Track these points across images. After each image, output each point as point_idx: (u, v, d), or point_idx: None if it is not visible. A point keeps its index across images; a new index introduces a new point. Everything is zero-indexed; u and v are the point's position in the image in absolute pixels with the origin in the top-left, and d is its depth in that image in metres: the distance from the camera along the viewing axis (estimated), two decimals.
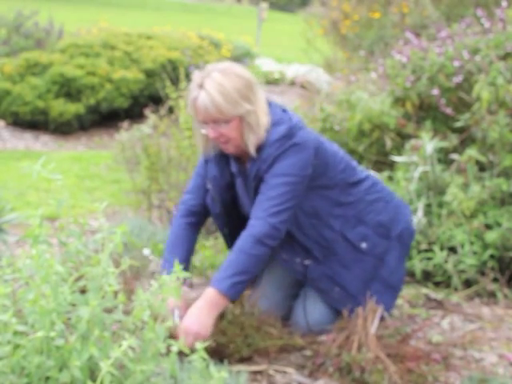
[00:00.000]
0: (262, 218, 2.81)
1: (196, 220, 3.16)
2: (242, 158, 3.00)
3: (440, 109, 4.33)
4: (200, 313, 2.68)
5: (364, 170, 3.21)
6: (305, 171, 2.87)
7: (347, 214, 3.04)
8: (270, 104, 2.97)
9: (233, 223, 3.14)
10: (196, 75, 2.84)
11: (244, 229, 2.86)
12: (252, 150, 2.86)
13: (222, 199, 3.07)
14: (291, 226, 2.94)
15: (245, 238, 2.80)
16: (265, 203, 2.83)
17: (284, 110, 3.00)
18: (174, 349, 2.10)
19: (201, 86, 2.80)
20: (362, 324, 2.81)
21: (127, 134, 5.17)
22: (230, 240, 3.14)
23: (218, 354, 2.73)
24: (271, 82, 11.60)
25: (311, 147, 2.90)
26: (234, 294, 2.73)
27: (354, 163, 3.17)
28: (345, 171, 3.06)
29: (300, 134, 2.89)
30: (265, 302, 3.04)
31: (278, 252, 2.99)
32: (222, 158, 3.04)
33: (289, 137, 2.86)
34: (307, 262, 3.01)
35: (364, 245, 3.05)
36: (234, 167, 3.02)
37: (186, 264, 3.02)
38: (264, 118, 2.87)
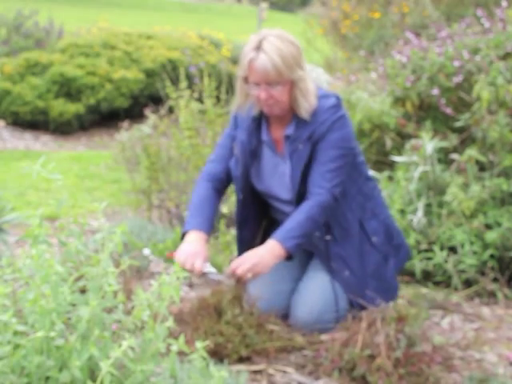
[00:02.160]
0: (326, 188, 2.97)
1: (219, 186, 3.21)
2: (277, 124, 3.09)
3: (440, 109, 4.33)
4: (263, 254, 2.89)
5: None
6: (353, 143, 3.09)
7: (366, 204, 3.17)
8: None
9: (248, 190, 3.20)
10: (252, 38, 2.93)
11: (253, 199, 3.19)
12: (304, 114, 2.98)
13: (245, 163, 3.13)
14: None
15: (312, 205, 2.97)
16: (327, 174, 2.98)
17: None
18: (174, 348, 2.10)
19: (258, 48, 2.88)
20: (368, 325, 2.82)
21: (127, 134, 5.18)
22: (242, 206, 3.23)
23: (216, 354, 2.74)
24: None
25: (351, 123, 3.13)
26: (294, 251, 2.96)
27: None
28: (364, 164, 3.22)
29: (344, 108, 3.09)
30: (264, 296, 3.05)
31: None
32: (253, 125, 3.12)
33: (339, 107, 3.04)
34: (328, 237, 3.10)
35: (375, 239, 3.16)
36: (265, 135, 3.11)
37: (211, 225, 3.09)
38: (312, 86, 3.00)
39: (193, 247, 2.92)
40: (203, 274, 2.93)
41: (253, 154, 3.14)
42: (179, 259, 2.88)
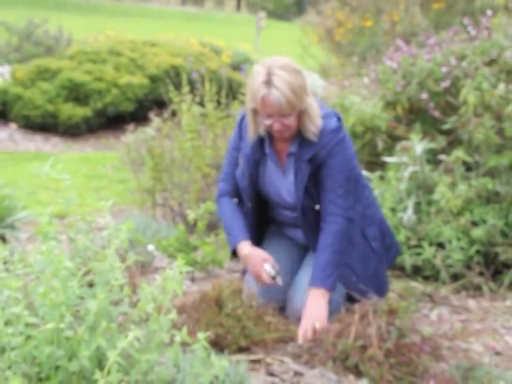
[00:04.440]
0: (340, 215, 3.01)
1: (236, 198, 3.24)
2: (279, 140, 3.08)
3: (429, 112, 4.34)
4: (317, 305, 2.92)
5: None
6: (355, 164, 3.09)
7: (365, 212, 3.18)
8: None
9: (257, 198, 3.21)
10: (259, 71, 2.87)
11: (259, 205, 3.21)
12: (312, 137, 2.98)
13: (250, 174, 3.14)
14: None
15: (332, 236, 3.00)
16: (338, 200, 3.01)
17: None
18: (177, 339, 2.11)
19: (269, 83, 2.84)
20: (361, 317, 2.82)
21: (132, 136, 5.18)
22: (253, 213, 3.23)
23: (216, 345, 2.74)
24: None
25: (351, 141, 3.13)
26: (335, 286, 3.00)
27: None
28: (360, 174, 3.23)
29: (344, 129, 3.08)
30: (261, 288, 3.06)
31: (309, 235, 3.14)
32: (257, 142, 3.11)
33: (340, 128, 3.03)
34: None
35: (374, 244, 3.19)
36: (268, 149, 3.10)
37: (248, 232, 3.14)
38: (317, 108, 2.99)
39: (255, 257, 3.03)
40: (273, 279, 3.02)
41: (257, 164, 3.13)
42: (255, 274, 3.03)
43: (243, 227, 3.13)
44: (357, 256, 3.13)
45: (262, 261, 3.00)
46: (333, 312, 3.01)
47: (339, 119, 3.04)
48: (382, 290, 3.23)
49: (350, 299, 3.12)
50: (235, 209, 3.20)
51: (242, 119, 3.16)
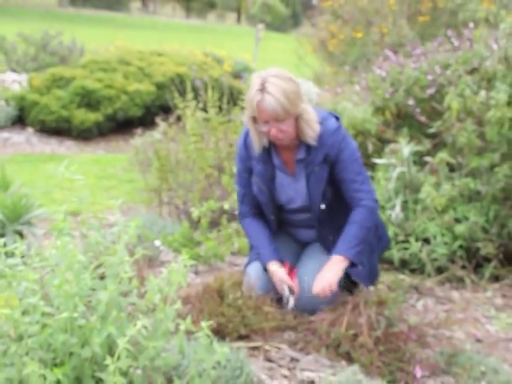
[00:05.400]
0: (369, 198, 2.99)
1: (258, 214, 3.22)
2: (284, 148, 3.05)
3: (415, 117, 4.34)
4: (332, 269, 2.91)
5: None
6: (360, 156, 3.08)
7: None
8: None
9: (278, 211, 3.19)
10: (255, 80, 2.85)
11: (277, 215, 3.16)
12: (311, 141, 2.95)
13: (268, 189, 3.11)
14: (334, 207, 3.06)
15: (361, 214, 2.97)
16: (362, 187, 2.99)
17: None
18: (182, 328, 2.11)
19: (263, 90, 2.81)
20: (353, 308, 2.83)
21: (140, 140, 5.18)
22: (276, 225, 3.22)
23: (218, 333, 2.74)
24: None
25: None
26: (358, 258, 2.96)
27: None
28: None
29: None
30: (261, 281, 3.05)
31: (318, 229, 3.12)
32: (265, 154, 3.07)
33: (341, 127, 3.01)
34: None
35: (370, 235, 3.14)
36: (276, 160, 3.07)
37: (275, 248, 3.12)
38: (313, 113, 2.95)
39: (278, 277, 3.03)
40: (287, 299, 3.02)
41: (272, 179, 3.10)
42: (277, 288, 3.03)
43: (269, 245, 3.10)
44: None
45: (282, 282, 3.00)
46: (330, 300, 3.01)
47: (337, 118, 3.04)
48: (372, 278, 3.21)
49: (347, 289, 3.12)
50: (259, 228, 3.18)
51: (245, 139, 3.10)
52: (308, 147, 2.97)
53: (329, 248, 3.07)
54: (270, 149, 3.07)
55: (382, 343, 2.69)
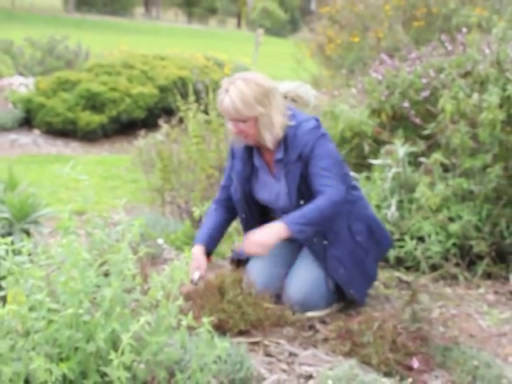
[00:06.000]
0: (332, 191, 2.91)
1: (226, 206, 3.27)
2: (266, 150, 3.08)
3: (410, 119, 4.33)
4: (268, 231, 2.88)
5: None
6: (339, 156, 3.07)
7: (351, 209, 3.12)
8: (290, 108, 3.09)
9: (249, 210, 3.22)
10: (224, 81, 2.96)
11: (253, 215, 3.20)
12: (269, 144, 2.99)
13: (242, 188, 3.16)
14: None
15: (323, 198, 2.91)
16: (330, 181, 2.93)
17: None
18: (184, 323, 2.11)
19: (226, 91, 2.92)
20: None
21: (144, 141, 5.17)
22: (245, 224, 3.26)
23: (219, 328, 2.74)
24: None
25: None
26: (297, 236, 2.92)
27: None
28: (348, 175, 3.19)
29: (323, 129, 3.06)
30: (260, 278, 3.05)
31: None
32: (246, 154, 3.14)
33: (319, 128, 3.02)
34: (325, 242, 3.07)
35: (359, 238, 3.14)
36: (257, 161, 3.12)
37: (206, 238, 3.17)
38: (279, 119, 2.97)
39: (196, 261, 3.04)
40: (191, 281, 3.00)
41: (248, 180, 3.16)
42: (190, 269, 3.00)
43: (206, 231, 3.17)
44: (345, 249, 3.09)
45: (196, 267, 3.01)
46: (317, 301, 3.02)
47: (317, 121, 3.05)
48: (367, 281, 3.21)
49: (339, 291, 3.12)
50: (213, 218, 3.24)
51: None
52: (286, 147, 2.99)
53: (314, 249, 3.08)
54: (253, 149, 3.11)
55: (380, 337, 2.69)
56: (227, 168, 3.29)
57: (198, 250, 3.10)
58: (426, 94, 4.29)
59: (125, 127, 8.88)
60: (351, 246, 3.12)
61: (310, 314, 3.04)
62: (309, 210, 2.91)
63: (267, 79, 3.00)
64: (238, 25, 56.41)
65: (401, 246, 3.77)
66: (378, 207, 3.94)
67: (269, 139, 2.96)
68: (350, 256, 3.11)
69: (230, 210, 3.27)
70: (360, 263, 3.15)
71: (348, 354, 2.69)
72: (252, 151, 3.13)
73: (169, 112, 7.92)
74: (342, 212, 3.06)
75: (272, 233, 2.87)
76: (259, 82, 2.93)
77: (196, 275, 2.98)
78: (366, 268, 3.17)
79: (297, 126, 3.00)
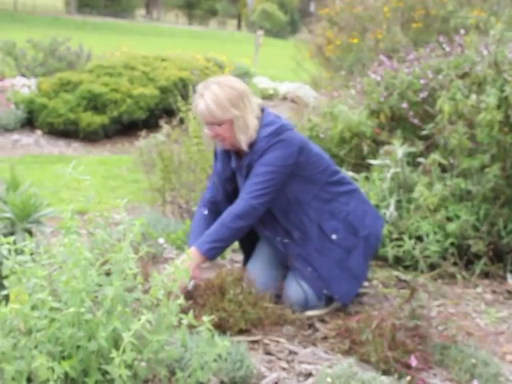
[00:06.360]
0: (245, 199, 2.93)
1: (212, 207, 3.23)
2: (240, 154, 3.08)
3: (408, 120, 4.34)
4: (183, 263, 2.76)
5: (349, 180, 3.25)
6: (287, 163, 2.95)
7: (323, 208, 3.06)
8: (263, 110, 3.06)
9: None
10: (199, 86, 2.96)
11: None
12: (244, 147, 2.97)
13: (224, 189, 3.19)
14: (276, 210, 3.02)
15: (227, 214, 2.93)
16: (250, 187, 2.93)
17: (278, 117, 3.09)
18: (185, 322, 2.11)
19: (201, 96, 2.92)
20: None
21: (145, 141, 5.17)
22: None
23: (220, 327, 2.74)
24: (266, 97, 11.60)
25: (296, 145, 2.98)
26: (210, 255, 2.91)
27: (338, 169, 3.20)
28: (325, 171, 3.09)
29: (287, 133, 2.98)
30: (260, 278, 3.05)
31: (261, 229, 3.10)
32: (225, 157, 3.15)
33: (276, 134, 2.95)
34: (286, 240, 3.06)
35: (334, 236, 3.06)
36: (233, 163, 3.13)
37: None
38: (253, 121, 2.97)
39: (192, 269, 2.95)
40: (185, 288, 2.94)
41: (229, 180, 3.16)
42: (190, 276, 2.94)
43: (197, 235, 3.08)
44: (311, 248, 3.03)
45: (192, 277, 2.92)
46: (316, 301, 3.02)
47: (281, 126, 2.97)
48: (353, 280, 3.11)
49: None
50: (201, 220, 3.20)
51: None
52: (248, 153, 3.00)
53: (276, 247, 3.09)
54: (231, 152, 3.12)
55: (379, 336, 2.69)
56: (212, 172, 3.30)
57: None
58: (424, 94, 4.29)
59: (126, 128, 8.88)
60: (323, 244, 3.04)
61: (309, 312, 3.04)
62: (215, 227, 2.93)
63: (240, 82, 3.00)
64: (238, 26, 56.45)
65: (399, 246, 3.77)
66: (377, 207, 3.94)
67: (243, 140, 2.95)
68: (322, 255, 3.04)
69: (214, 209, 3.24)
70: (339, 262, 3.06)
71: (347, 352, 2.70)
72: (230, 154, 3.14)
73: (169, 113, 7.91)
74: (308, 211, 3.02)
75: (190, 265, 2.82)
76: (233, 85, 2.93)
77: (191, 285, 2.94)
78: (349, 266, 3.08)
79: (259, 129, 2.99)
